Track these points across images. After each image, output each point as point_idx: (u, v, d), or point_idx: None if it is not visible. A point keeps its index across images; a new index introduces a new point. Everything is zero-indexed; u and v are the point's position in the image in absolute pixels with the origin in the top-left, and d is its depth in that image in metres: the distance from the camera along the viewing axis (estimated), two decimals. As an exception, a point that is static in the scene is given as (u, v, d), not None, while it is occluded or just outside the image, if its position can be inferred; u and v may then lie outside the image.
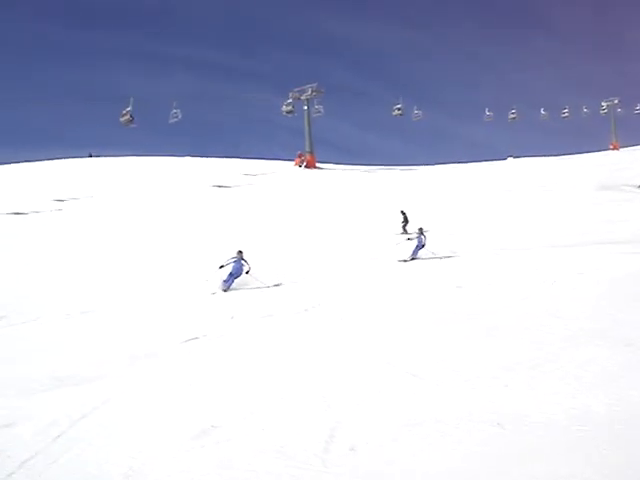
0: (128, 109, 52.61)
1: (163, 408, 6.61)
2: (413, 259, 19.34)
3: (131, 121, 53.53)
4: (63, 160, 61.26)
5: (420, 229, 20.43)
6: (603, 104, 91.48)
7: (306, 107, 66.34)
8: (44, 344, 11.03)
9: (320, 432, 5.43)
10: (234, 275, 16.35)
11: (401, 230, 26.95)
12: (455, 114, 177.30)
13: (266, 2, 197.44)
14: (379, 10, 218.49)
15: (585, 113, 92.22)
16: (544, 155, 68.60)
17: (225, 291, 16.04)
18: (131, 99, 52.22)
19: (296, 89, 66.58)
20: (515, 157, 69.45)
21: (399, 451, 4.99)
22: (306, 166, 61.43)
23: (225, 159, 63.80)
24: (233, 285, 16.30)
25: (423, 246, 19.69)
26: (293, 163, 62.82)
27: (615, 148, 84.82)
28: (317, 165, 62.27)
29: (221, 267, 16.21)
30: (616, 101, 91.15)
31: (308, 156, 63.29)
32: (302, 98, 66.51)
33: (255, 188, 44.75)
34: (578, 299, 11.15)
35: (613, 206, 29.60)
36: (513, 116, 78.14)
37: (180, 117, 57.42)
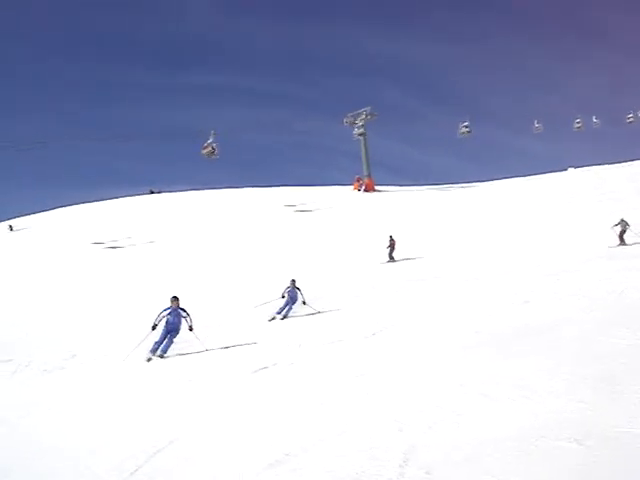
0: (209, 141, 53.32)
1: (237, 438, 6.61)
2: (284, 317, 16.53)
3: (213, 152, 53.92)
4: (127, 198, 64.03)
5: (293, 281, 17.49)
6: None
7: (362, 131, 66.88)
8: (117, 381, 11.49)
9: (394, 456, 5.30)
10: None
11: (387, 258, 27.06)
12: (507, 127, 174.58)
13: (311, 29, 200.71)
14: (425, 27, 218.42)
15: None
16: (604, 163, 66.62)
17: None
18: (212, 131, 53.40)
19: (350, 114, 67.27)
20: (576, 167, 67.64)
21: (476, 471, 4.81)
22: (365, 190, 61.67)
23: (281, 187, 64.80)
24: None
25: (294, 303, 16.97)
26: (352, 187, 63.19)
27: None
28: (376, 188, 62.43)
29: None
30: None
31: (367, 180, 63.55)
32: (357, 122, 67.06)
33: (323, 213, 45.46)
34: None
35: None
36: (579, 125, 75.85)
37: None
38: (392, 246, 27.47)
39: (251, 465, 5.66)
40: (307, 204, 52.23)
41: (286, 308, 16.48)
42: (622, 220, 24.25)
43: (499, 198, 46.95)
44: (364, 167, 65.81)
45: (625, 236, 23.84)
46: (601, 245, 23.34)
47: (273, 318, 16.26)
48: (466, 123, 69.13)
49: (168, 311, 12.94)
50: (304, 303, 16.61)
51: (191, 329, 12.93)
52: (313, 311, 16.21)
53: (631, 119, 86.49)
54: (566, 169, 67.45)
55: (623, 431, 5.09)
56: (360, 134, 66.81)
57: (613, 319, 10.01)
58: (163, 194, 67.58)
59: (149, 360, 12.54)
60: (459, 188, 59.91)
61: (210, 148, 53.49)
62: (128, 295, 24.38)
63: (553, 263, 20.02)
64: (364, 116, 66.61)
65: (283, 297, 16.54)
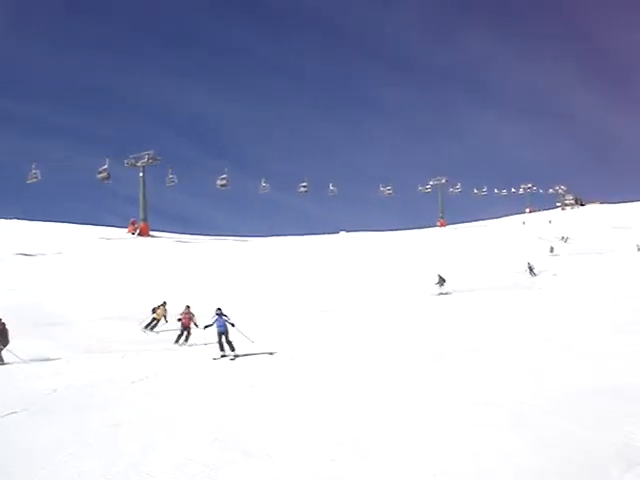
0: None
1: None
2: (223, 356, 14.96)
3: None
4: None
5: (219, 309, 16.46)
6: (430, 183, 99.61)
7: (142, 174, 65.81)
8: None
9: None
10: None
11: None
12: (286, 188, 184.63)
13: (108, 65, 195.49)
14: (218, 78, 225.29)
15: (417, 191, 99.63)
16: (375, 230, 73.23)
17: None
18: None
19: (132, 156, 66.01)
20: (347, 231, 73.22)
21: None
22: (139, 234, 60.51)
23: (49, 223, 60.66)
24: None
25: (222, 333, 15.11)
26: (126, 230, 61.66)
27: (442, 225, 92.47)
28: (150, 233, 61.56)
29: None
30: (443, 181, 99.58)
31: (142, 224, 62.46)
32: (138, 165, 65.96)
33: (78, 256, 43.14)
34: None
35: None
36: (305, 189, 79.19)
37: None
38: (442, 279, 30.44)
39: None
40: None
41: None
42: (439, 276, 30.51)
43: (273, 253, 48.79)
44: (140, 210, 64.68)
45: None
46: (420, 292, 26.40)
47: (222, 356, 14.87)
48: (224, 176, 70.64)
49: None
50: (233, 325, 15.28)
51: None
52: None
53: (389, 191, 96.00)
54: (338, 232, 72.84)
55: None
56: (104, 178, 63.97)
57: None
58: None
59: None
60: (232, 241, 61.35)
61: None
62: None
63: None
64: (146, 159, 65.72)
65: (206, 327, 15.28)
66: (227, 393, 10.95)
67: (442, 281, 30.41)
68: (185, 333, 18.41)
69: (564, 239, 56.92)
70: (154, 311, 21.32)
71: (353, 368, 12.56)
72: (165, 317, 21.19)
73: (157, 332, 20.73)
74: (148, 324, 21.05)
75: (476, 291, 29.57)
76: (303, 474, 6.57)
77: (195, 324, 18.08)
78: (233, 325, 15.04)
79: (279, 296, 29.12)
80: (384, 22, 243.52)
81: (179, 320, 18.62)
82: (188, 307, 18.94)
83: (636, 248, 46.35)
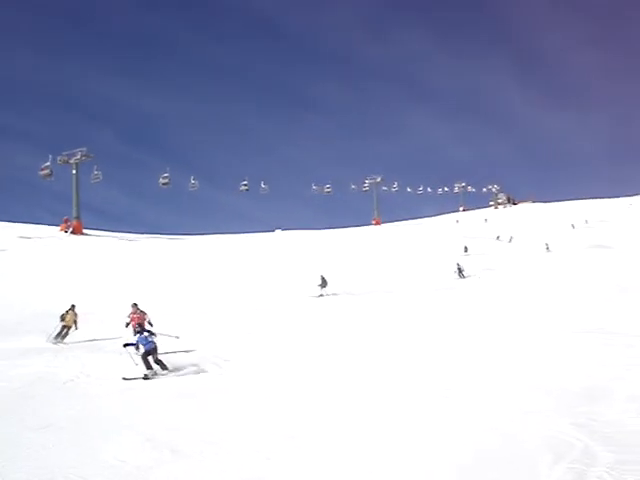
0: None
1: None
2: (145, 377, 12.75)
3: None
4: None
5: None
6: (366, 182, 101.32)
7: (75, 172, 64.68)
8: None
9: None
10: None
11: None
12: (223, 185, 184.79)
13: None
14: (156, 76, 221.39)
15: (353, 189, 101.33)
16: (311, 228, 74.03)
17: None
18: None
19: (65, 152, 64.78)
20: (283, 229, 73.84)
21: None
22: (72, 232, 59.53)
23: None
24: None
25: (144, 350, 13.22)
26: (59, 228, 60.55)
27: (377, 223, 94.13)
28: (84, 232, 60.63)
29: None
30: (379, 179, 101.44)
31: (75, 222, 61.43)
32: (71, 162, 64.79)
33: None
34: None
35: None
36: (245, 187, 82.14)
37: None
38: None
39: None
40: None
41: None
42: (322, 277, 29.03)
43: (207, 251, 48.75)
44: (73, 208, 63.54)
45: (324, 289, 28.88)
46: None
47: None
48: (166, 174, 71.50)
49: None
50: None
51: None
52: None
53: (329, 189, 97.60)
54: (274, 230, 73.34)
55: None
56: (46, 175, 64.18)
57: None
58: None
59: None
60: (167, 239, 61.05)
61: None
62: None
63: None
64: (79, 156, 64.62)
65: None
66: (159, 393, 11.09)
67: (324, 282, 28.99)
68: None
69: (510, 239, 57.54)
70: (63, 318, 18.46)
71: (282, 365, 13.02)
72: (76, 323, 18.49)
73: (66, 343, 17.73)
74: (58, 333, 18.10)
75: (393, 292, 28.50)
76: (234, 473, 6.67)
77: (148, 323, 16.14)
78: (155, 335, 13.66)
79: (209, 294, 29.07)
80: (321, 21, 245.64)
81: (127, 325, 16.81)
82: (135, 305, 17.38)
83: (545, 247, 48.34)
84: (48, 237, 53.94)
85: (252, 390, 10.92)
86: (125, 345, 13.58)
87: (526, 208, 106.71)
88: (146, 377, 12.39)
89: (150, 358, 12.83)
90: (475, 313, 20.33)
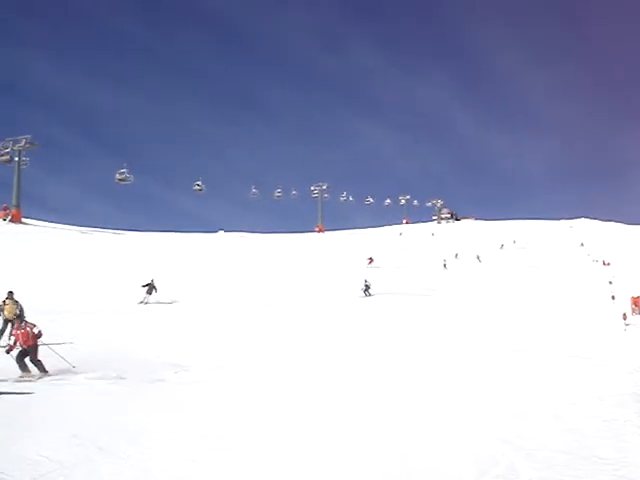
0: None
1: None
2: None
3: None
4: None
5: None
6: (312, 188, 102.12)
7: (17, 159, 63.44)
8: None
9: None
10: None
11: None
12: (168, 183, 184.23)
13: None
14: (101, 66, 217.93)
15: (295, 195, 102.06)
16: (255, 232, 74.36)
17: None
18: None
19: (8, 139, 63.54)
20: (226, 231, 73.99)
21: None
22: (11, 220, 58.43)
23: None
24: None
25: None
26: (-3, 216, 59.37)
27: (321, 231, 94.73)
28: (23, 220, 59.54)
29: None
30: (324, 186, 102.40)
31: (14, 210, 60.28)
32: (14, 149, 63.55)
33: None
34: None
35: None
36: (199, 187, 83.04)
37: None
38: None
39: None
40: None
41: None
42: (152, 281, 27.12)
43: (147, 248, 48.39)
44: (14, 196, 62.27)
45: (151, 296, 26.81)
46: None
47: None
48: (123, 170, 71.43)
49: None
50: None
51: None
52: None
53: (279, 194, 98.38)
54: (217, 231, 73.37)
55: None
56: (5, 161, 63.33)
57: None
58: None
59: None
60: (111, 234, 60.48)
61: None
62: None
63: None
64: (23, 144, 63.39)
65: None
66: (88, 388, 10.88)
67: (151, 289, 27.06)
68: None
69: (456, 255, 54.72)
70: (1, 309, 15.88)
71: (216, 368, 13.21)
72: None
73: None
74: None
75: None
76: (157, 474, 6.55)
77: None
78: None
79: (132, 292, 27.77)
80: (275, 24, 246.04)
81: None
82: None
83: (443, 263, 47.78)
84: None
85: (182, 390, 10.96)
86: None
87: (468, 224, 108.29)
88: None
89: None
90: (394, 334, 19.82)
